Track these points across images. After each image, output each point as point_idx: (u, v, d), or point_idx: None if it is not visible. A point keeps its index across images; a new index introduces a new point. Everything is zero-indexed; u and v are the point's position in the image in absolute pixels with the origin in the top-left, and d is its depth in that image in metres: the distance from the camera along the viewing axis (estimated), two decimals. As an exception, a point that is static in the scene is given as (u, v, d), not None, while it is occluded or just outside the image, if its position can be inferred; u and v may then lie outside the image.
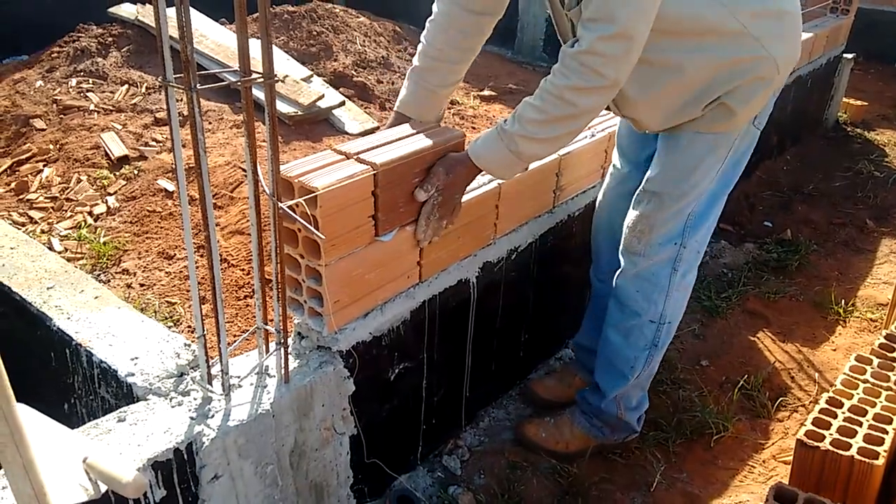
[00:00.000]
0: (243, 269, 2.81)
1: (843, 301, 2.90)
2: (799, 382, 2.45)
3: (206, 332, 1.46)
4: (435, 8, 1.82)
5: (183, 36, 1.15)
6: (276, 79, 1.28)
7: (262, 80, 1.27)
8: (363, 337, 1.67)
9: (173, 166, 3.35)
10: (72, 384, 1.68)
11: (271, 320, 1.57)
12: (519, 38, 6.23)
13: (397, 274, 1.70)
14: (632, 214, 1.91)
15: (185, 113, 1.24)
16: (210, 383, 1.48)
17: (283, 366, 1.53)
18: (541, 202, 2.15)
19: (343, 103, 4.03)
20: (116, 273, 2.82)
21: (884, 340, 2.10)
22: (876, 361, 2.01)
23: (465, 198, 1.80)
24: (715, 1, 1.60)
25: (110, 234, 3.01)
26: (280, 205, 1.37)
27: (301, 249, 1.52)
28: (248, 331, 2.51)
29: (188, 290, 2.72)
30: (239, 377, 1.54)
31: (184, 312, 2.62)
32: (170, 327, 2.54)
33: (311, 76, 4.20)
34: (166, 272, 2.82)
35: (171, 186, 3.23)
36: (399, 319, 1.76)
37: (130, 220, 3.08)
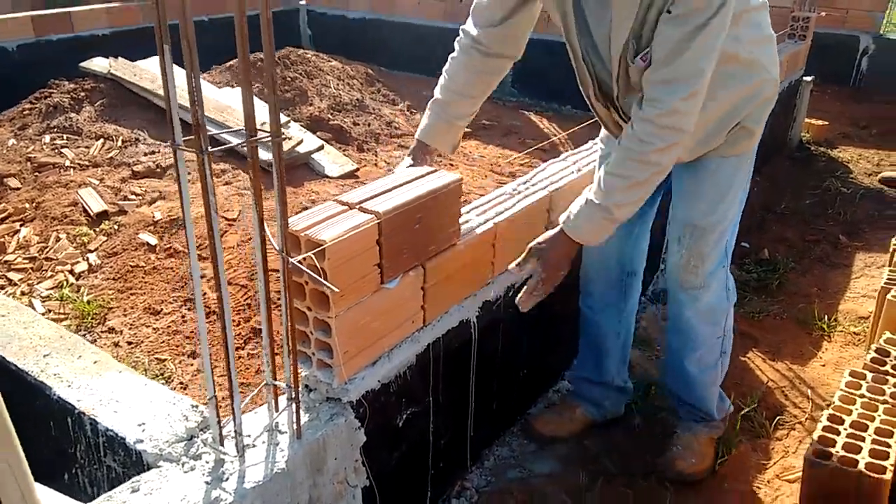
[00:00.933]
0: (233, 321, 2.78)
1: (825, 316, 2.97)
2: (793, 400, 2.49)
3: (216, 393, 1.44)
4: (456, 46, 1.93)
5: (193, 100, 1.15)
6: (283, 137, 1.29)
7: (269, 138, 1.28)
8: (372, 385, 1.66)
9: (154, 220, 3.34)
10: (73, 454, 1.64)
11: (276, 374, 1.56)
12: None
13: (402, 319, 1.70)
14: (677, 252, 1.97)
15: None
16: (222, 444, 1.45)
17: (294, 421, 1.51)
18: (533, 239, 2.17)
19: (322, 147, 4.05)
20: (102, 332, 2.77)
21: (875, 355, 2.15)
22: (869, 376, 2.05)
23: (463, 239, 1.82)
24: (728, 36, 1.66)
25: (93, 291, 2.96)
26: (291, 259, 1.37)
27: (308, 302, 1.52)
28: (250, 386, 2.48)
29: (177, 346, 2.69)
30: (250, 436, 1.51)
31: (174, 369, 2.57)
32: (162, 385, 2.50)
33: (289, 122, 4.22)
34: (153, 328, 2.77)
35: (152, 240, 3.20)
36: (406, 365, 1.75)
37: (113, 276, 3.04)
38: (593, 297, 2.22)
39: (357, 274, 1.52)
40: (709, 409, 2.17)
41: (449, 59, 1.96)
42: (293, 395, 1.50)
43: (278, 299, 1.46)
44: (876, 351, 2.16)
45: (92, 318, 2.80)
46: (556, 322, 2.46)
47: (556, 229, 1.79)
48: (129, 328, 2.78)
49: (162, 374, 2.54)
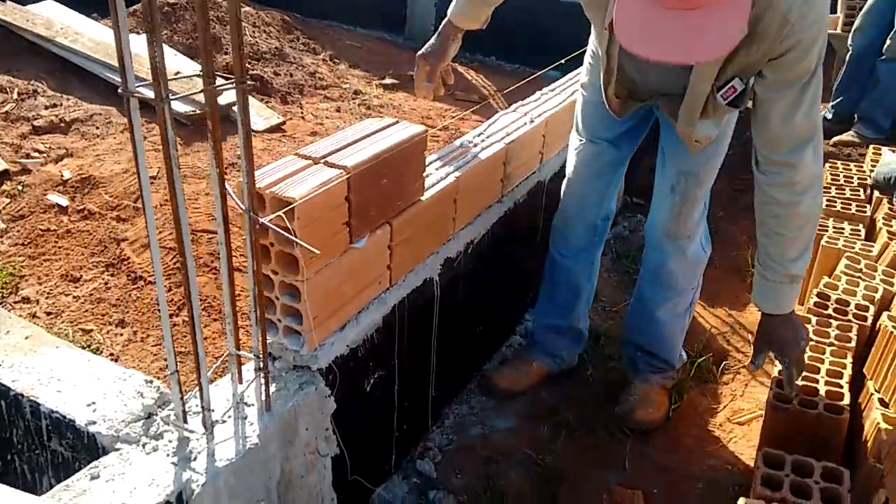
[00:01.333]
0: (166, 286, 2.59)
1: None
2: (735, 345, 2.58)
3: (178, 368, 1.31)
4: None
5: (152, 40, 1.00)
6: (248, 84, 1.16)
7: (232, 86, 1.14)
8: (341, 351, 1.57)
9: (63, 179, 3.05)
10: (9, 438, 1.47)
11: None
12: (409, 23, 6.14)
13: (370, 280, 1.61)
14: (669, 201, 1.96)
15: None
16: (186, 421, 1.33)
17: (263, 393, 1.41)
18: (491, 193, 2.12)
19: (243, 99, 3.81)
20: (15, 303, 2.52)
21: (817, 299, 2.23)
22: (814, 320, 2.13)
23: (427, 194, 1.73)
24: None
25: (1, 259, 2.68)
26: (261, 220, 1.25)
27: (274, 265, 1.40)
28: (190, 355, 2.33)
29: (103, 315, 2.48)
30: (214, 411, 1.40)
31: (102, 339, 2.38)
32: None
33: (161, 37, 3.93)
34: (74, 296, 2.55)
35: (63, 201, 2.93)
36: (373, 327, 1.67)
37: (22, 241, 2.76)
38: (569, 243, 2.21)
39: (327, 233, 1.41)
40: (671, 358, 2.22)
41: None
42: (261, 366, 1.39)
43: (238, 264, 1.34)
44: (817, 295, 2.24)
45: (2, 288, 2.55)
46: (509, 276, 2.43)
47: (767, 319, 1.85)
48: (47, 297, 2.54)
49: (89, 346, 2.34)
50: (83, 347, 2.33)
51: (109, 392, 1.39)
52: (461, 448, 2.09)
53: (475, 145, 2.07)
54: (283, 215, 1.32)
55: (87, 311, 2.48)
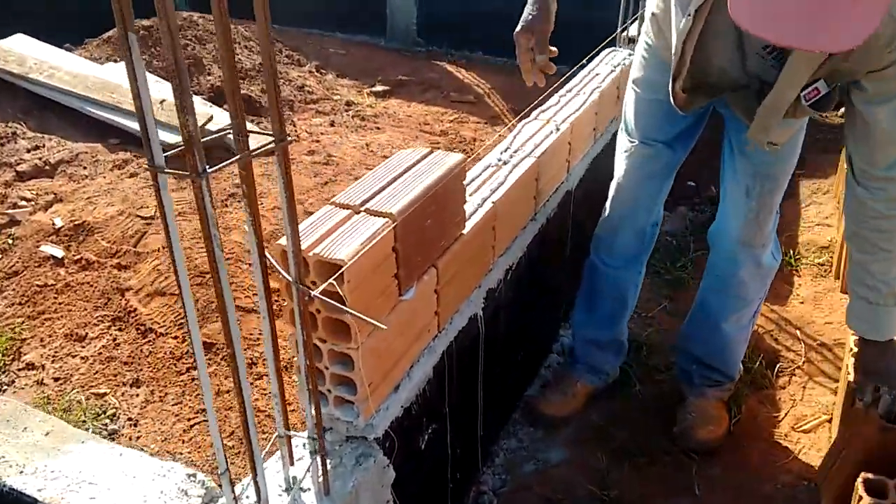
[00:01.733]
0: (176, 338, 2.43)
1: (790, 251, 2.96)
2: (784, 343, 2.46)
3: (227, 467, 1.16)
4: None
5: (183, 107, 0.85)
6: (289, 140, 1.00)
7: (273, 144, 0.98)
8: (396, 413, 1.42)
9: (55, 228, 2.86)
10: (39, 553, 1.31)
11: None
12: (390, 24, 5.96)
13: (420, 330, 1.46)
14: (745, 206, 1.82)
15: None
16: (240, 520, 1.19)
17: (321, 475, 1.26)
18: (526, 212, 1.97)
19: (234, 122, 3.63)
20: (20, 370, 2.35)
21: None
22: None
23: (467, 226, 1.58)
24: None
25: (-2, 322, 2.51)
26: (313, 293, 1.09)
27: (321, 333, 1.25)
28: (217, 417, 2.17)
29: (115, 375, 2.32)
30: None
31: (118, 403, 2.22)
32: (106, 426, 2.14)
33: (191, 96, 3.75)
34: (81, 357, 2.38)
35: (58, 252, 2.75)
36: (425, 380, 1.52)
37: (19, 300, 2.59)
38: (615, 252, 2.08)
39: (376, 291, 1.26)
40: (732, 371, 2.10)
41: None
42: (316, 448, 1.24)
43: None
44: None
45: (4, 355, 2.37)
46: (544, 294, 2.29)
47: (867, 346, 1.70)
48: (52, 361, 2.37)
49: (104, 413, 2.18)
50: (98, 414, 2.18)
51: (150, 493, 1.24)
52: (517, 489, 1.95)
53: (504, 162, 1.92)
54: (332, 280, 1.17)
55: (97, 372, 2.32)
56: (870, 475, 1.44)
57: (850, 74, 1.42)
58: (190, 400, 2.23)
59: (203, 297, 2.55)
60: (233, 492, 1.15)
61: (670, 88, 1.69)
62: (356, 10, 5.99)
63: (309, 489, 1.28)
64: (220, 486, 1.25)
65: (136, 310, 2.52)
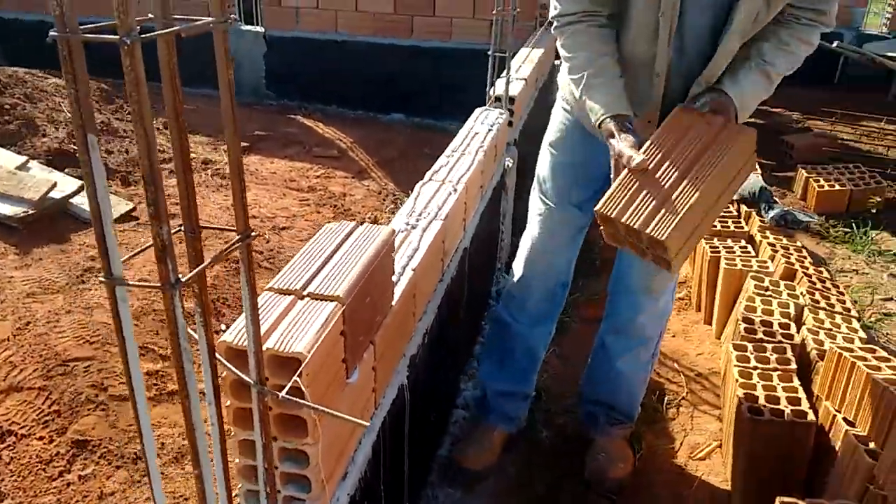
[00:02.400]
0: (41, 438, 2.15)
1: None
2: (665, 376, 2.63)
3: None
4: (562, 25, 1.67)
5: (158, 215, 0.76)
6: (252, 234, 0.93)
7: (238, 241, 0.91)
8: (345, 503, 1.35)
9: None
10: None
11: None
12: (237, 77, 5.79)
13: (360, 411, 1.40)
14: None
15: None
16: None
17: (279, 586, 1.16)
18: (436, 275, 1.98)
19: (83, 187, 3.33)
20: None
21: (745, 325, 2.33)
22: (750, 346, 2.22)
23: (395, 296, 1.56)
24: None
25: None
26: (280, 395, 1.01)
27: (273, 431, 1.16)
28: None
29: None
30: None
31: (-22, 523, 1.91)
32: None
33: (28, 161, 3.40)
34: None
35: None
36: (365, 462, 1.46)
37: None
38: (526, 310, 2.14)
39: (328, 379, 1.20)
40: (633, 410, 2.19)
41: (563, 41, 1.69)
42: (275, 556, 1.14)
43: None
44: (744, 321, 2.35)
45: None
46: (449, 353, 2.30)
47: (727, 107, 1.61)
48: None
49: (-37, 538, 1.86)
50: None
51: None
52: (448, 557, 1.91)
53: (413, 227, 1.92)
54: (282, 371, 1.09)
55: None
56: (786, 499, 1.58)
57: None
58: (68, 510, 1.97)
59: (69, 389, 2.28)
60: None
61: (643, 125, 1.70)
62: (200, 63, 5.78)
63: None
64: None
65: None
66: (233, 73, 0.85)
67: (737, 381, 2.05)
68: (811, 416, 1.90)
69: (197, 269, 0.86)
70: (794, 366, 2.12)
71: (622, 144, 1.56)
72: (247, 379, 1.01)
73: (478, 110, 3.02)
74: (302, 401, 1.02)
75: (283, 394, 1.03)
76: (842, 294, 2.61)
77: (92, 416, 2.21)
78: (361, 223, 1.53)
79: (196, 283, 0.91)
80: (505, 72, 3.01)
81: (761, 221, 3.13)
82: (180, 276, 0.82)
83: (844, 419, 1.88)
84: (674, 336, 2.89)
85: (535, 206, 2.07)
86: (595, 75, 1.63)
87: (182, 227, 0.92)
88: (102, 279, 0.82)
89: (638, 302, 2.02)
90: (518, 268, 2.13)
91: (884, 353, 1.96)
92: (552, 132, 2.00)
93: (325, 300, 1.21)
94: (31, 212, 3.04)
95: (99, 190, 0.77)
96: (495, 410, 2.25)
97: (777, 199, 3.59)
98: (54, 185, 3.20)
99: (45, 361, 2.34)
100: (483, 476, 2.15)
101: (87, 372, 2.33)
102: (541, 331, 2.18)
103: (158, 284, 0.82)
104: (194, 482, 0.94)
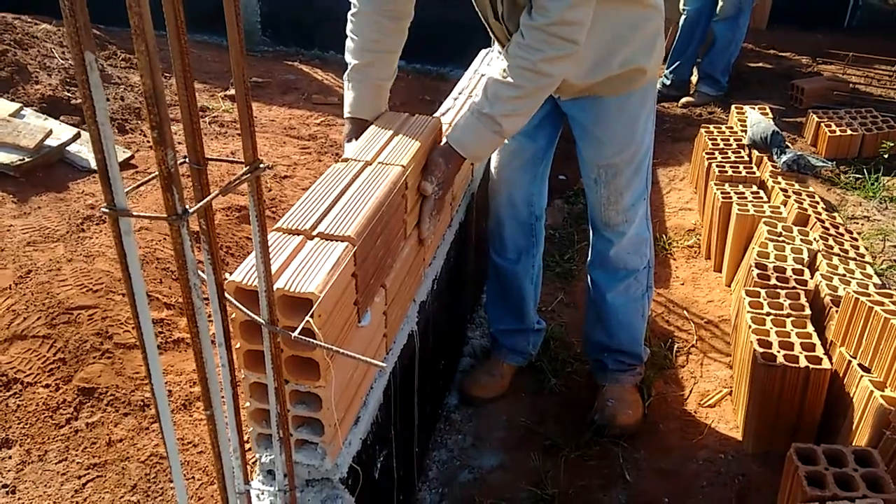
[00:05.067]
0: (48, 386, 2.13)
1: (662, 237, 3.15)
2: (675, 324, 2.61)
3: None
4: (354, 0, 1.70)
5: (162, 140, 0.71)
6: (263, 166, 0.88)
7: (248, 174, 0.86)
8: (357, 447, 1.32)
9: None
10: None
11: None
12: (232, 23, 5.63)
13: (373, 356, 1.37)
14: (595, 192, 1.96)
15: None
16: None
17: (293, 529, 1.14)
18: (446, 219, 1.93)
19: (78, 135, 3.26)
20: None
21: (758, 271, 2.29)
22: (763, 292, 2.19)
23: (408, 248, 1.51)
24: None
25: None
26: (293, 334, 0.97)
27: (285, 374, 1.12)
28: (104, 466, 1.92)
29: (-22, 437, 1.98)
30: (237, 567, 1.11)
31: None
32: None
33: (22, 108, 3.31)
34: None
35: None
36: (377, 406, 1.43)
37: None
38: (507, 248, 2.18)
39: (342, 321, 1.16)
40: (636, 349, 2.18)
41: (349, 17, 1.73)
42: (288, 500, 1.12)
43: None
44: (756, 266, 2.31)
45: None
46: (457, 299, 2.27)
47: (444, 145, 1.66)
48: None
49: (-28, 485, 1.86)
50: (-37, 487, 1.85)
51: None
52: (458, 501, 1.91)
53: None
54: (296, 312, 1.06)
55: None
56: (801, 444, 1.56)
57: None
58: (77, 455, 1.96)
59: (74, 338, 2.25)
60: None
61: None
62: (192, 8, 5.60)
63: (277, 545, 1.16)
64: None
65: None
66: (238, -11, 0.79)
67: (749, 327, 2.02)
68: (826, 363, 1.88)
69: (204, 200, 0.81)
70: (808, 311, 2.09)
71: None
72: (258, 319, 0.97)
73: (483, 51, 2.92)
74: (315, 340, 0.98)
75: (295, 333, 0.99)
76: (855, 240, 2.57)
77: (98, 364, 2.19)
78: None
79: (202, 218, 0.86)
80: (512, 12, 2.90)
81: (773, 166, 3.07)
82: (187, 207, 0.77)
83: (860, 365, 1.86)
84: (683, 284, 2.85)
85: None
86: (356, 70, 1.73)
87: (186, 159, 0.87)
88: (105, 210, 0.77)
89: (605, 234, 2.04)
90: (491, 205, 2.17)
91: (901, 298, 1.92)
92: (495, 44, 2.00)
93: (336, 240, 1.17)
94: (27, 159, 2.97)
95: (99, 112, 0.72)
96: (503, 346, 2.31)
97: (789, 144, 3.52)
98: (50, 132, 3.12)
99: (49, 310, 2.30)
100: (493, 400, 2.23)
101: (92, 320, 2.30)
102: (524, 266, 2.20)
103: (164, 216, 0.77)
104: (206, 424, 0.90)
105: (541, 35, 1.50)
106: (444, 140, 1.67)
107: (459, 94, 2.43)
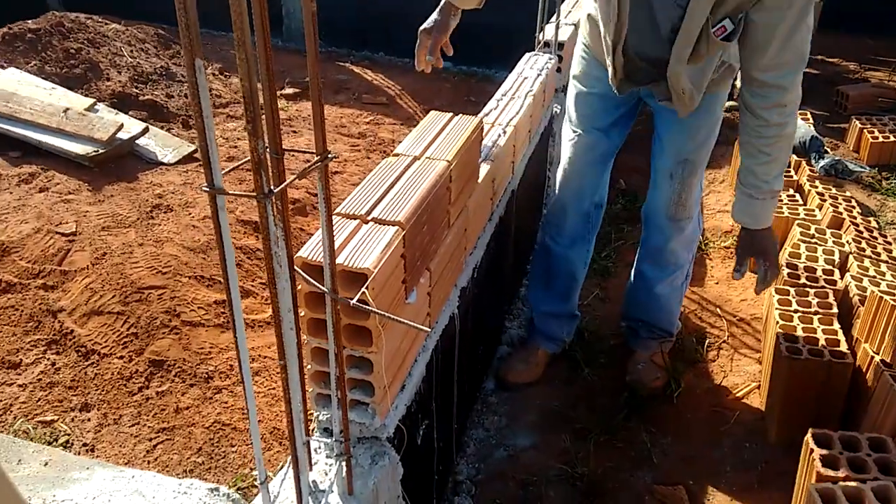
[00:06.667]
0: (122, 357, 2.34)
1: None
2: (708, 321, 2.70)
3: (267, 477, 1.18)
4: None
5: (254, 130, 0.87)
6: (332, 156, 1.03)
7: (317, 163, 1.01)
8: (402, 412, 1.47)
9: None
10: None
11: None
12: (286, 24, 5.88)
13: (416, 333, 1.52)
14: (669, 187, 2.08)
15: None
16: (274, 530, 1.20)
17: (346, 476, 1.30)
18: (486, 213, 2.07)
19: (147, 129, 3.50)
20: (-51, 404, 2.18)
21: (788, 270, 2.37)
22: (793, 290, 2.27)
23: (451, 236, 1.66)
24: None
25: (-88, 355, 2.31)
26: (352, 301, 1.13)
27: (343, 340, 1.28)
28: (180, 429, 2.11)
29: (60, 401, 2.21)
30: (296, 507, 1.27)
31: (69, 430, 2.11)
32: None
33: (96, 104, 3.57)
34: (19, 385, 2.25)
35: (-29, 274, 2.55)
36: (420, 378, 1.58)
37: (-66, 328, 2.39)
38: (564, 232, 2.30)
39: (391, 297, 1.31)
40: (671, 327, 2.37)
41: None
42: (342, 451, 1.28)
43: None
44: (787, 266, 2.38)
45: (-74, 391, 2.19)
46: (496, 290, 2.40)
47: (747, 234, 1.96)
48: (-15, 392, 2.22)
49: (56, 441, 2.07)
50: (49, 442, 2.07)
51: (176, 513, 1.23)
52: (493, 476, 2.04)
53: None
54: (353, 286, 1.21)
55: (40, 399, 2.19)
56: (817, 430, 1.65)
57: (746, 4, 1.62)
58: (148, 419, 2.16)
59: (145, 315, 2.46)
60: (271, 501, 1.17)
61: (609, 67, 1.91)
62: (249, 10, 5.85)
63: (331, 491, 1.31)
64: (243, 498, 1.26)
65: (72, 331, 2.40)
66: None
67: (777, 322, 2.11)
68: (849, 358, 1.96)
69: (286, 182, 0.97)
70: (835, 310, 2.17)
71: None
72: (322, 288, 1.13)
73: (527, 55, 3.05)
74: (370, 307, 1.13)
75: (354, 301, 1.15)
76: (889, 244, 2.62)
77: (166, 339, 2.39)
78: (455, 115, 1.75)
79: (279, 200, 1.02)
80: (554, 17, 3.03)
81: (811, 171, 3.12)
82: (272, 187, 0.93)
83: (882, 361, 1.93)
84: (717, 283, 2.93)
85: (566, 134, 2.24)
86: None
87: (267, 148, 1.02)
88: (206, 188, 0.93)
89: (665, 229, 2.16)
90: (555, 192, 2.31)
91: (925, 298, 1.99)
92: (575, 66, 2.18)
93: (388, 224, 1.32)
94: (101, 151, 3.21)
95: (204, 108, 0.88)
96: (541, 332, 2.45)
97: (828, 149, 3.55)
98: (121, 126, 3.36)
99: (122, 289, 2.52)
100: (530, 386, 2.39)
101: (161, 299, 2.51)
102: (578, 251, 2.33)
103: (255, 194, 0.93)
104: (279, 372, 1.06)
105: (781, 110, 1.72)
106: (741, 230, 1.98)
107: (503, 95, 2.56)
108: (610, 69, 1.93)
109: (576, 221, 2.27)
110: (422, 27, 2.08)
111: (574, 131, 2.19)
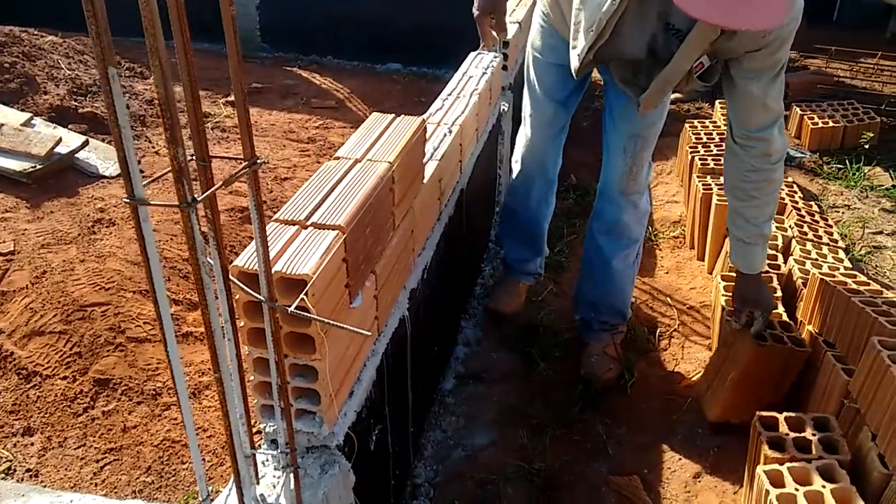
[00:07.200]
0: (65, 378, 2.27)
1: (649, 227, 3.27)
2: (658, 310, 2.73)
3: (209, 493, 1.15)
4: None
5: (174, 139, 0.84)
6: (260, 161, 1.01)
7: (245, 168, 0.99)
8: (352, 419, 1.45)
9: None
10: None
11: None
12: (232, 30, 5.77)
13: (365, 336, 1.50)
14: (622, 162, 2.15)
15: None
16: (221, 546, 1.17)
17: (293, 489, 1.27)
18: (434, 213, 2.06)
19: (86, 142, 3.40)
20: None
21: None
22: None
23: (397, 238, 1.65)
24: None
25: None
26: (290, 308, 1.10)
27: (284, 349, 1.26)
28: (120, 450, 2.05)
29: (1, 427, 2.12)
30: (245, 523, 1.24)
31: (11, 455, 2.04)
32: (4, 479, 1.96)
33: (32, 118, 3.45)
34: (-44, 411, 2.16)
35: None
36: (370, 382, 1.56)
37: None
38: (531, 198, 2.49)
39: (333, 302, 1.29)
40: (625, 308, 2.44)
41: None
42: (289, 462, 1.25)
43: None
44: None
45: None
46: (450, 289, 2.40)
47: (742, 278, 2.05)
48: (-81, 421, 2.12)
49: (-3, 468, 1.99)
50: (-10, 471, 1.99)
51: (118, 536, 1.19)
52: (451, 477, 2.04)
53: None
54: (291, 293, 1.19)
55: (-23, 425, 2.11)
56: (764, 413, 1.69)
57: (731, 52, 1.71)
58: (94, 440, 2.09)
59: (88, 333, 2.39)
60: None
61: (571, 56, 1.95)
62: (192, 17, 5.74)
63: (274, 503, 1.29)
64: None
65: (12, 353, 2.31)
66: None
67: (723, 308, 2.15)
68: (806, 345, 2.00)
69: (209, 191, 0.95)
70: (778, 293, 2.21)
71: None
72: (258, 296, 1.10)
73: (472, 54, 3.05)
74: (308, 314, 1.11)
75: (292, 308, 1.12)
76: (830, 227, 2.69)
77: (111, 357, 2.32)
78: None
79: (208, 209, 1.00)
80: (499, 16, 3.03)
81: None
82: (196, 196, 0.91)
83: (825, 342, 1.98)
84: (667, 272, 2.98)
85: (526, 106, 2.33)
86: None
87: (194, 157, 0.99)
88: (126, 200, 0.90)
89: (619, 201, 2.23)
90: (519, 161, 2.43)
91: (864, 279, 2.04)
92: (533, 35, 2.25)
93: (328, 229, 1.30)
94: (39, 166, 3.11)
95: (121, 117, 0.85)
96: (516, 270, 2.68)
97: (770, 138, 3.64)
98: (59, 140, 3.26)
99: (64, 307, 2.44)
100: (517, 315, 2.64)
101: (105, 316, 2.44)
102: (543, 211, 2.56)
103: (176, 203, 0.90)
104: (215, 385, 1.03)
105: (767, 161, 1.83)
106: (736, 274, 2.08)
107: (448, 95, 2.56)
108: (574, 60, 1.95)
109: (540, 187, 2.46)
110: (476, 14, 2.25)
111: (536, 101, 2.29)
